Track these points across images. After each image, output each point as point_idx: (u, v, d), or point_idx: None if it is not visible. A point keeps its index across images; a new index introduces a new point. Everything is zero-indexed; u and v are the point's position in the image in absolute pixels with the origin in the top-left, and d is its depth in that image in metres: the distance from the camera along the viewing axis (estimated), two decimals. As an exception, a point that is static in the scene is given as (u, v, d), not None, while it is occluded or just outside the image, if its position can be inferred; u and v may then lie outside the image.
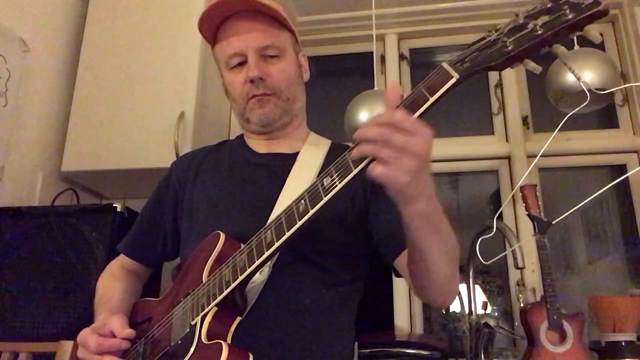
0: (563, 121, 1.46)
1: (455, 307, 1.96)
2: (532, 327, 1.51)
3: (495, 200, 2.16)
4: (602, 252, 2.09)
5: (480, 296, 1.74)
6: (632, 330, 1.54)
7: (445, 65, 0.69)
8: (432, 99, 0.68)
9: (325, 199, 0.71)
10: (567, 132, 2.16)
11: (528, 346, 1.53)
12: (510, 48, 0.66)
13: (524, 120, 2.19)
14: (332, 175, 0.72)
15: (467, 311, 1.72)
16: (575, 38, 1.76)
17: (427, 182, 0.70)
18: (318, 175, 0.83)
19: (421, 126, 0.66)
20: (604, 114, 2.18)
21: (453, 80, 0.67)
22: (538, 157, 1.59)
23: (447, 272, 0.82)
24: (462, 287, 1.87)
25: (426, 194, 0.71)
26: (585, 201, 1.56)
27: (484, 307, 1.64)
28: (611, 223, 2.12)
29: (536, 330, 1.50)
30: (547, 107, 1.79)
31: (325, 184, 0.72)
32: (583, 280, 2.07)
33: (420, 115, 0.68)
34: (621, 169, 2.12)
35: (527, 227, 2.04)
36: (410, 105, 0.69)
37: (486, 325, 1.57)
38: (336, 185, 0.71)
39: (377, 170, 0.66)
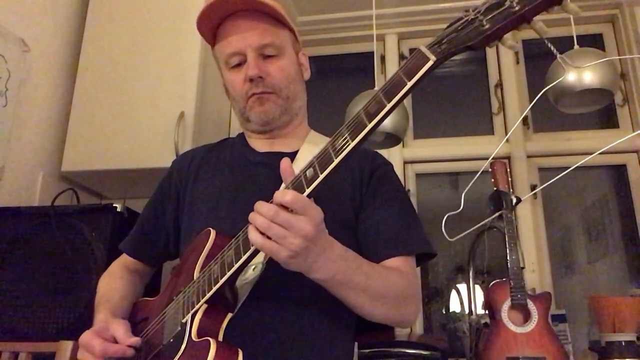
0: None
1: (455, 307, 1.96)
2: (494, 305, 1.47)
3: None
4: (602, 252, 2.09)
5: (480, 296, 1.74)
6: (632, 330, 1.53)
7: (422, 48, 0.68)
8: (410, 84, 0.67)
9: (307, 192, 0.72)
10: (567, 132, 2.17)
11: (489, 326, 1.49)
12: (487, 27, 0.64)
13: (524, 120, 2.19)
14: (315, 168, 0.72)
15: (467, 311, 1.72)
16: (575, 38, 1.75)
17: (319, 256, 0.74)
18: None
19: (310, 207, 0.70)
20: (604, 114, 2.18)
21: (430, 63, 0.66)
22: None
23: (380, 312, 0.87)
24: (462, 287, 1.87)
25: (321, 266, 0.75)
26: (574, 167, 1.62)
27: (484, 307, 1.63)
28: (611, 223, 2.11)
29: (498, 308, 1.45)
30: (547, 107, 1.78)
31: (308, 175, 0.73)
32: (583, 280, 2.06)
33: (400, 99, 0.68)
34: (621, 169, 2.12)
35: (526, 227, 2.05)
36: (337, 148, 0.69)
37: (486, 325, 1.57)
38: (317, 178, 0.71)
39: (258, 242, 0.70)
